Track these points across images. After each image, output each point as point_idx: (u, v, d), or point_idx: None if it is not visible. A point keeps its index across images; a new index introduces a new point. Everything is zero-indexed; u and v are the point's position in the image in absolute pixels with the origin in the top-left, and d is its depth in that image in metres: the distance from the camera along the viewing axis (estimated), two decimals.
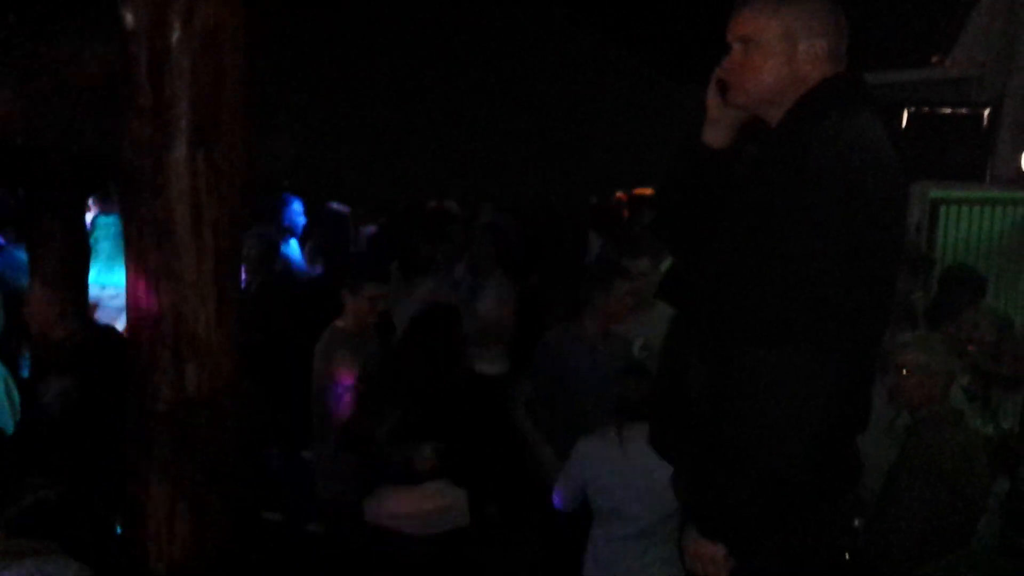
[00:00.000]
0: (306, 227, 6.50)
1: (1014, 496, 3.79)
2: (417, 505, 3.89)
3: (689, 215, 2.23)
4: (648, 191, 9.78)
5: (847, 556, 3.96)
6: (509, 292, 5.71)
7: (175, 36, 2.59)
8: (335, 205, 7.80)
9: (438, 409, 3.90)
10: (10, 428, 3.62)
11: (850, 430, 2.11)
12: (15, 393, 3.71)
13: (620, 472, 3.63)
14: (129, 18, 2.60)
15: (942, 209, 6.51)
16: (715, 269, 2.07)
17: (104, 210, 6.05)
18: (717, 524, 2.03)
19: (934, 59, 14.41)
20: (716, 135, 2.22)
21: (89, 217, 5.82)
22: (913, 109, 12.18)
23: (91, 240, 5.33)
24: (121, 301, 4.41)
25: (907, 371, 3.71)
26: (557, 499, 3.89)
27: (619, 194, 9.99)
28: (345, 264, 5.35)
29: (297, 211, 6.57)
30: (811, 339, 1.89)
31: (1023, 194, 7.04)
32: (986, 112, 11.32)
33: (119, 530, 3.17)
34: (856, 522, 3.95)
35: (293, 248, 6.33)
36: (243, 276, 5.44)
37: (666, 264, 5.41)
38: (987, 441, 4.11)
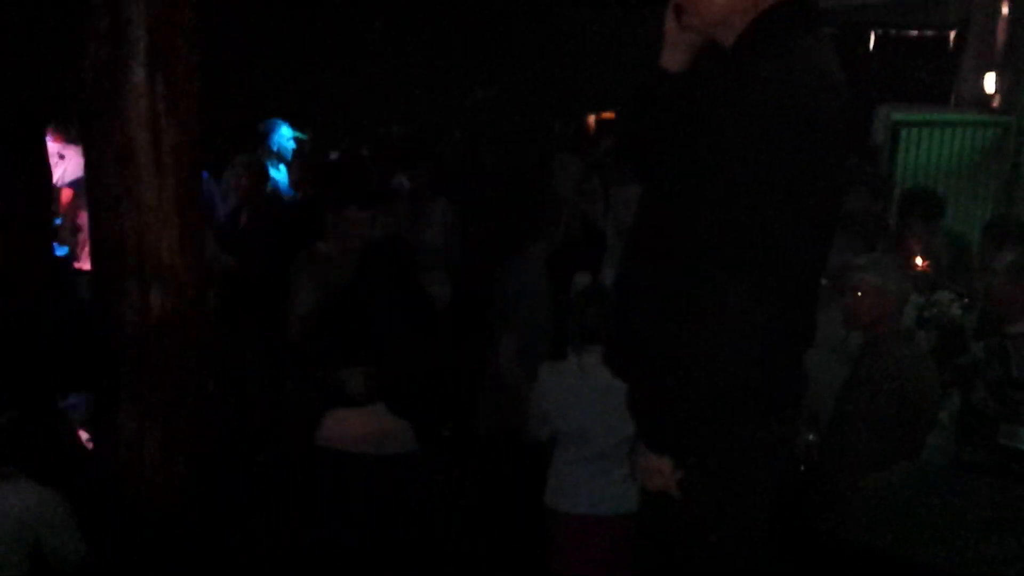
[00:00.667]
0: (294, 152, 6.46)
1: (965, 411, 3.90)
2: (363, 427, 3.92)
3: (650, 140, 2.25)
4: (612, 115, 9.78)
5: (802, 468, 4.10)
6: (451, 219, 5.74)
7: None
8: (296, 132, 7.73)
9: (376, 333, 3.93)
10: None
11: (794, 347, 2.17)
12: None
13: (580, 395, 3.69)
14: None
15: (903, 132, 6.56)
16: (668, 193, 2.12)
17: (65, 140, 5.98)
18: (663, 437, 2.11)
19: None
20: (674, 59, 2.23)
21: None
22: (880, 31, 12.21)
23: None
24: None
25: (861, 292, 3.79)
26: (531, 431, 3.95)
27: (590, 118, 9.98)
28: (329, 187, 5.36)
29: (285, 136, 6.51)
30: (754, 260, 1.94)
31: (983, 117, 7.08)
32: (952, 34, 11.35)
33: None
34: (811, 436, 4.07)
35: (282, 174, 6.31)
36: (234, 203, 5.45)
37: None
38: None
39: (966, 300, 4.58)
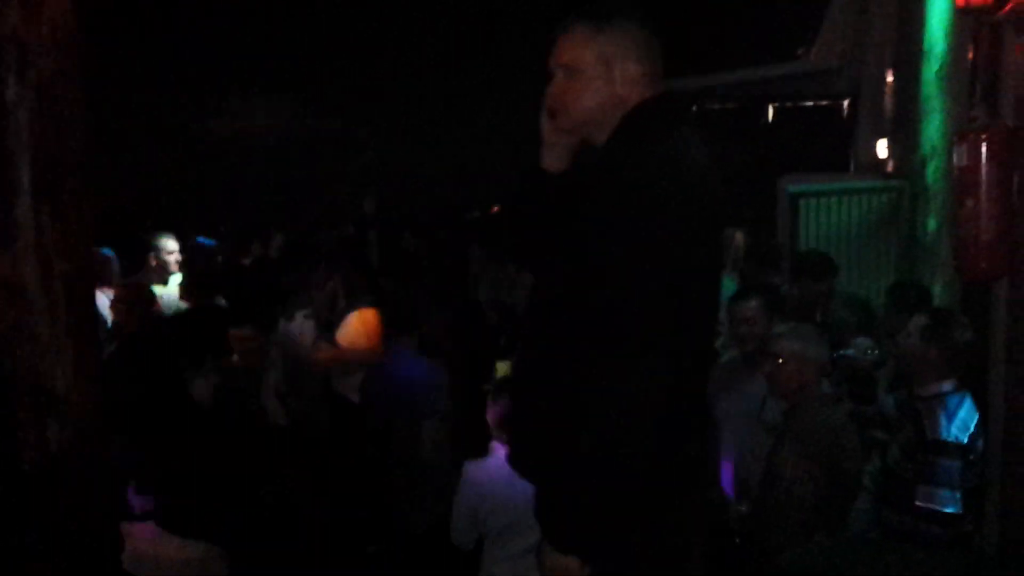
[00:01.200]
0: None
1: (885, 474, 3.97)
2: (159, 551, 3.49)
3: (534, 237, 2.32)
4: None
5: (737, 540, 4.12)
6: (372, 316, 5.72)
7: (11, 91, 2.55)
8: (201, 239, 7.67)
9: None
10: None
11: (686, 432, 2.20)
12: None
13: (507, 491, 3.65)
14: None
15: (801, 202, 6.76)
16: (555, 287, 2.17)
17: None
18: (566, 535, 2.10)
19: (799, 52, 14.94)
20: (552, 159, 2.32)
21: None
22: (777, 104, 12.65)
23: None
24: None
25: (782, 360, 3.87)
26: (455, 538, 3.90)
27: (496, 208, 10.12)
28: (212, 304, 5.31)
29: (167, 249, 6.40)
30: (638, 348, 1.98)
31: (877, 183, 7.34)
32: (846, 103, 11.81)
33: None
34: (743, 507, 4.09)
35: (170, 287, 6.20)
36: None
37: None
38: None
39: (876, 352, 4.69)
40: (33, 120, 2.60)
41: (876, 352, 4.72)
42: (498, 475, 3.69)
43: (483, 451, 4.00)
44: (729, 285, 5.63)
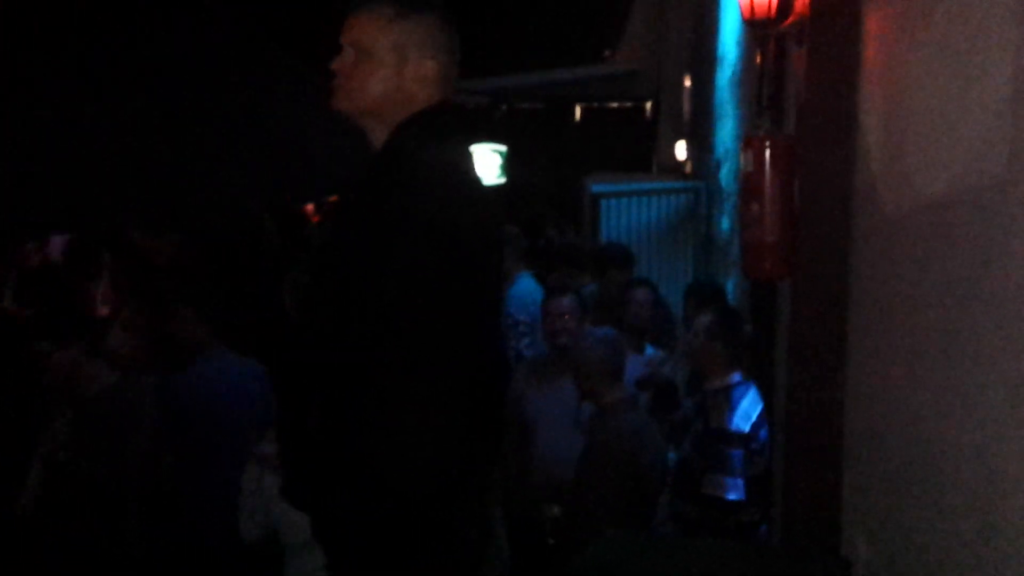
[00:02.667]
0: None
1: (679, 465, 4.11)
2: None
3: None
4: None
5: (551, 542, 4.17)
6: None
7: None
8: None
9: None
10: None
11: (476, 453, 2.12)
12: None
13: None
14: None
15: (603, 202, 6.94)
16: (323, 305, 2.03)
17: None
18: (351, 567, 2.03)
19: (606, 54, 15.37)
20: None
21: None
22: (584, 105, 12.99)
23: None
24: None
25: (580, 366, 3.95)
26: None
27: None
28: None
29: None
30: (418, 371, 1.90)
31: (676, 183, 7.63)
32: (648, 105, 12.24)
33: None
34: (555, 510, 4.15)
35: None
36: None
37: None
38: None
39: (671, 361, 4.86)
40: None
41: (668, 362, 4.88)
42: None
43: None
44: (528, 283, 5.70)
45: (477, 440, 2.12)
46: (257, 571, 3.90)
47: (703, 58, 7.43)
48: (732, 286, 5.82)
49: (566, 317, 4.43)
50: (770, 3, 3.83)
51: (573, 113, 12.95)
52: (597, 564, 3.29)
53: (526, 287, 5.53)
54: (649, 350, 4.89)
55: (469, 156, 2.12)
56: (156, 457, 4.34)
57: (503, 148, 12.99)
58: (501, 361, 2.23)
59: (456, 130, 2.11)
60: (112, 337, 4.91)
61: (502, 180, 12.84)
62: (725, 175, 6.15)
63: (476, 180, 2.10)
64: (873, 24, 3.32)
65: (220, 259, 5.33)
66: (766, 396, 4.06)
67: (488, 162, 12.98)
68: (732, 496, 3.65)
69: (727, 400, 3.80)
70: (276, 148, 4.97)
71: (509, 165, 12.82)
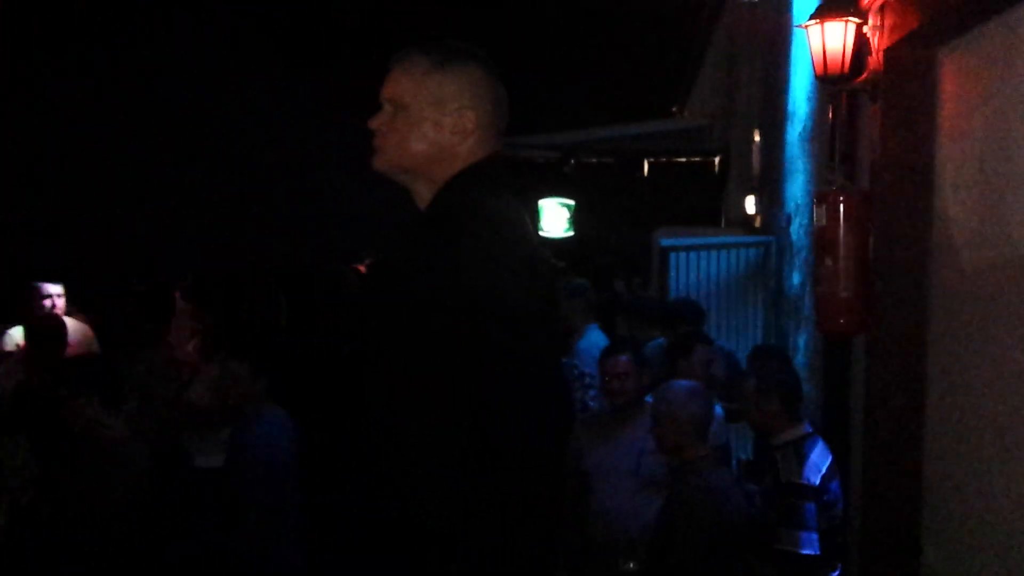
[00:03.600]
0: None
1: (755, 526, 4.06)
2: None
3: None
4: None
5: None
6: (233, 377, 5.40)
7: None
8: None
9: None
10: None
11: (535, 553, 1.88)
12: None
13: None
14: None
15: (671, 256, 6.95)
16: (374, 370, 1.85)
17: None
18: None
19: (673, 109, 15.45)
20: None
21: None
22: (652, 159, 13.04)
23: None
24: None
25: (657, 419, 3.94)
26: None
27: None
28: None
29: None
30: (486, 467, 1.71)
31: (746, 238, 7.60)
32: (717, 160, 12.24)
33: None
34: (631, 565, 4.12)
35: None
36: None
37: None
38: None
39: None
40: None
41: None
42: None
43: None
44: (596, 335, 5.71)
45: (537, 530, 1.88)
46: None
47: (773, 113, 7.44)
48: (803, 342, 5.77)
49: (623, 376, 4.41)
50: (843, 60, 3.85)
51: (642, 167, 12.99)
52: None
53: (594, 339, 5.54)
54: (718, 409, 4.86)
55: (521, 211, 1.95)
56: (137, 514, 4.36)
57: (571, 202, 13.11)
58: (555, 438, 1.92)
59: (507, 184, 1.97)
60: (194, 391, 5.05)
61: (569, 233, 12.96)
62: (796, 230, 6.13)
63: (529, 236, 1.93)
64: (949, 79, 3.33)
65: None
66: (841, 451, 4.01)
67: (556, 216, 13.12)
68: (807, 551, 3.59)
69: (795, 453, 3.76)
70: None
71: (578, 219, 12.93)
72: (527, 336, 1.80)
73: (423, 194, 1.97)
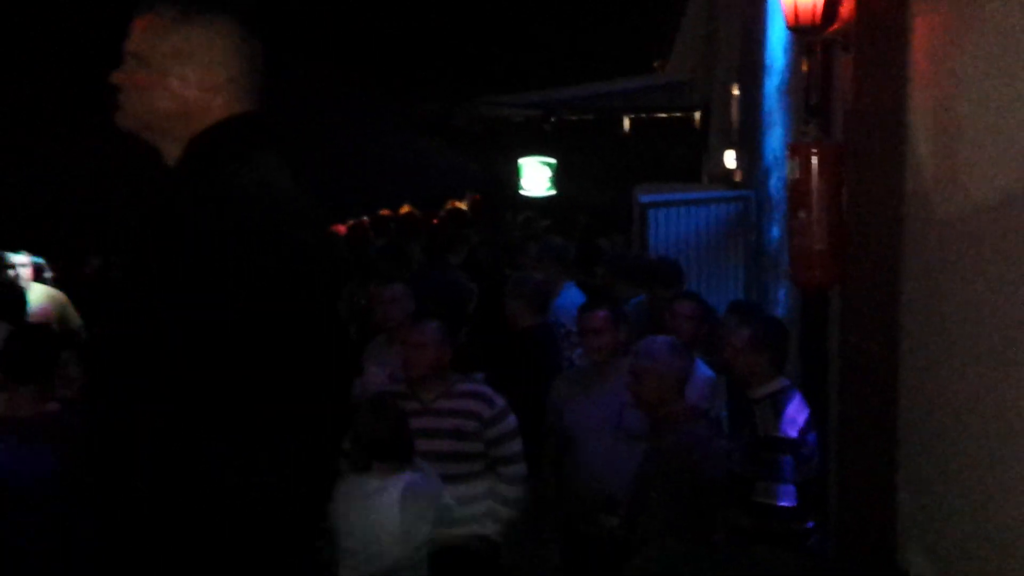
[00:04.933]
0: None
1: (729, 477, 4.09)
2: None
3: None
4: (387, 212, 9.89)
5: (607, 551, 4.17)
6: None
7: None
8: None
9: None
10: None
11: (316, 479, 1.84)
12: None
13: (365, 511, 3.64)
14: None
15: (651, 212, 6.93)
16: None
17: None
18: None
19: (655, 64, 15.36)
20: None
21: None
22: (633, 116, 12.99)
23: None
24: None
25: (639, 375, 3.94)
26: None
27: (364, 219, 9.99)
28: None
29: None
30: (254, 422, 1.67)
31: (725, 193, 7.58)
32: (697, 115, 12.20)
33: None
34: (614, 520, 4.15)
35: None
36: None
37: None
38: None
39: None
40: None
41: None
42: (359, 494, 3.67)
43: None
44: (573, 292, 5.71)
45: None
46: None
47: (751, 67, 7.40)
48: (783, 295, 5.78)
49: (601, 332, 4.42)
50: (815, 9, 3.82)
51: (622, 124, 12.93)
52: (649, 573, 3.29)
53: (571, 297, 5.54)
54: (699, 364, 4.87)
55: (276, 173, 1.81)
56: None
57: (552, 160, 13.06)
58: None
59: (261, 144, 1.84)
60: None
61: (551, 192, 12.90)
62: (774, 183, 6.12)
63: (282, 199, 1.79)
64: (921, 29, 3.30)
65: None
66: (818, 404, 4.03)
67: (537, 174, 13.06)
68: (784, 503, 3.63)
69: (772, 407, 3.78)
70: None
71: (559, 177, 12.88)
72: (268, 298, 1.69)
73: (171, 153, 1.86)
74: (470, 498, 4.09)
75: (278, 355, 1.68)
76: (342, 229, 9.05)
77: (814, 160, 3.58)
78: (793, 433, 3.68)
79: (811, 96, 4.19)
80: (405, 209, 9.93)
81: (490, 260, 7.33)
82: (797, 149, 3.69)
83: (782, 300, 5.79)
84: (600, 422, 4.31)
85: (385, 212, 9.92)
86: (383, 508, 3.65)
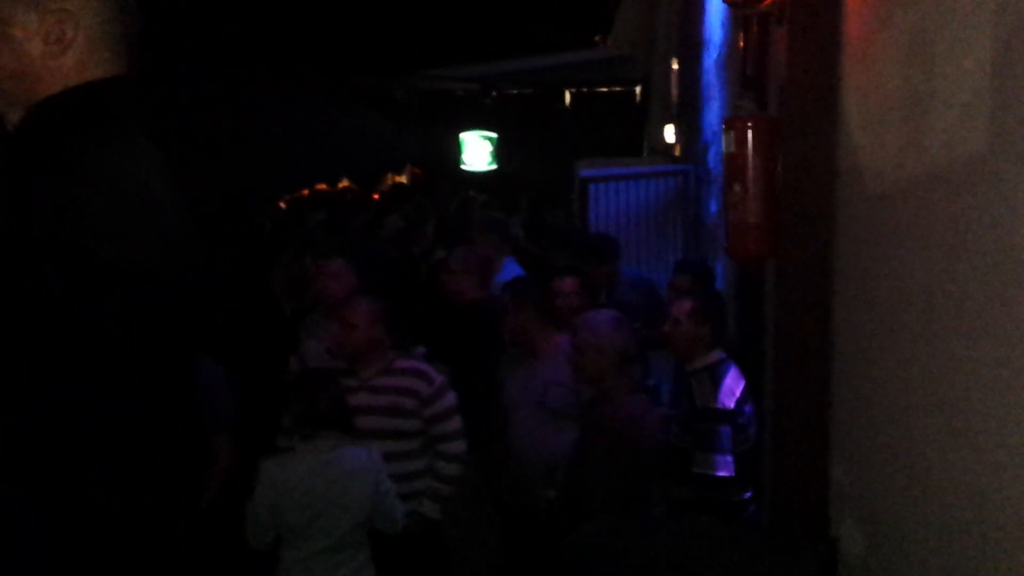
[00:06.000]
0: None
1: (667, 451, 4.12)
2: None
3: None
4: (324, 186, 9.78)
5: (543, 524, 4.19)
6: None
7: None
8: None
9: None
10: None
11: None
12: None
13: (309, 486, 3.62)
14: None
15: (591, 187, 6.93)
16: None
17: None
18: None
19: (597, 39, 15.34)
20: None
21: None
22: (574, 90, 12.97)
23: None
24: None
25: (580, 350, 3.95)
26: (251, 538, 3.77)
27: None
28: None
29: None
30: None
31: (665, 167, 7.61)
32: (638, 89, 12.22)
33: None
34: (550, 492, 4.17)
35: None
36: None
37: None
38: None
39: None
40: None
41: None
42: (305, 470, 3.63)
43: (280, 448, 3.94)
44: (513, 268, 5.71)
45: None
46: None
47: (690, 41, 7.41)
48: (720, 269, 5.83)
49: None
50: None
51: (563, 98, 12.91)
52: (586, 546, 3.31)
53: (512, 272, 5.54)
54: None
55: (127, 149, 1.56)
56: None
57: (493, 135, 13.00)
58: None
59: (115, 115, 1.59)
60: None
61: (492, 166, 12.85)
62: (713, 157, 6.15)
63: (130, 177, 1.54)
64: (853, 3, 3.31)
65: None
66: (753, 376, 4.07)
67: (478, 149, 12.99)
68: (722, 473, 3.67)
69: (710, 378, 3.82)
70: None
71: (500, 152, 12.84)
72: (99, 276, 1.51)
73: (13, 121, 1.61)
74: (408, 475, 4.08)
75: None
76: (281, 204, 8.94)
77: (749, 134, 3.59)
78: (730, 404, 3.72)
79: (747, 70, 4.20)
80: (343, 183, 9.84)
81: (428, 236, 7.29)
82: (733, 123, 3.69)
83: (720, 274, 5.83)
84: (528, 400, 4.34)
85: (322, 186, 9.81)
86: (327, 482, 3.63)
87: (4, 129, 1.62)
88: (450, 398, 4.18)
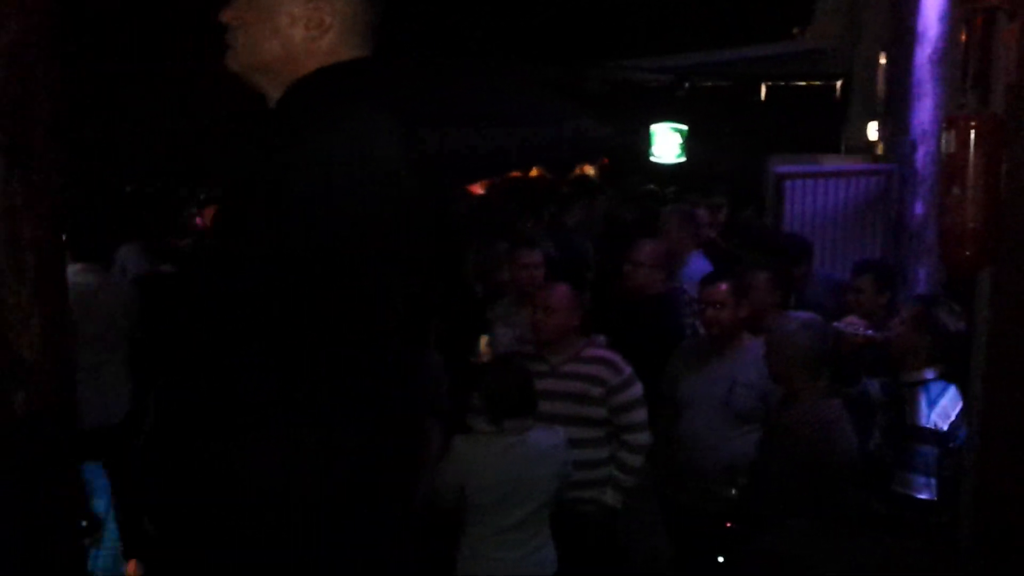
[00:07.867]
0: None
1: (865, 458, 3.98)
2: None
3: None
4: (517, 174, 9.89)
5: (728, 525, 4.13)
6: None
7: None
8: None
9: None
10: None
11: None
12: None
13: (500, 466, 3.70)
14: None
15: (787, 184, 6.73)
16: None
17: None
18: None
19: (795, 31, 14.87)
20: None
21: None
22: (769, 83, 12.59)
23: None
24: None
25: (773, 349, 3.88)
26: (429, 497, 3.88)
27: None
28: None
29: None
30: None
31: (866, 165, 7.32)
32: (838, 84, 11.76)
33: None
34: (732, 492, 4.11)
35: None
36: None
37: None
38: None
39: (869, 332, 4.60)
40: (2, 84, 2.55)
41: (868, 331, 4.65)
42: (494, 451, 3.72)
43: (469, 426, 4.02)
44: (700, 262, 5.61)
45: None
46: None
47: (901, 35, 7.08)
48: (923, 274, 5.56)
49: (721, 305, 4.32)
50: None
51: (759, 92, 12.56)
52: (771, 551, 3.23)
53: (698, 267, 5.45)
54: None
55: (380, 123, 1.69)
56: None
57: (684, 127, 12.80)
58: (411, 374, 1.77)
59: (368, 92, 1.73)
60: None
61: (681, 159, 12.68)
62: (921, 157, 5.87)
63: (386, 154, 1.67)
64: None
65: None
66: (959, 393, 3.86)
67: (668, 141, 12.84)
68: (923, 496, 3.51)
69: (924, 395, 3.64)
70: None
71: (690, 144, 12.63)
72: (359, 247, 1.62)
73: (272, 95, 1.77)
74: (591, 463, 4.10)
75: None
76: (477, 190, 9.10)
77: (972, 133, 3.39)
78: (944, 425, 3.55)
79: (969, 66, 3.97)
80: (535, 172, 9.94)
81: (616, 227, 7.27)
82: (954, 121, 3.50)
83: (922, 279, 5.57)
84: (710, 396, 4.26)
85: (515, 174, 9.94)
86: (516, 464, 3.70)
87: (267, 106, 1.78)
88: (637, 389, 4.16)
